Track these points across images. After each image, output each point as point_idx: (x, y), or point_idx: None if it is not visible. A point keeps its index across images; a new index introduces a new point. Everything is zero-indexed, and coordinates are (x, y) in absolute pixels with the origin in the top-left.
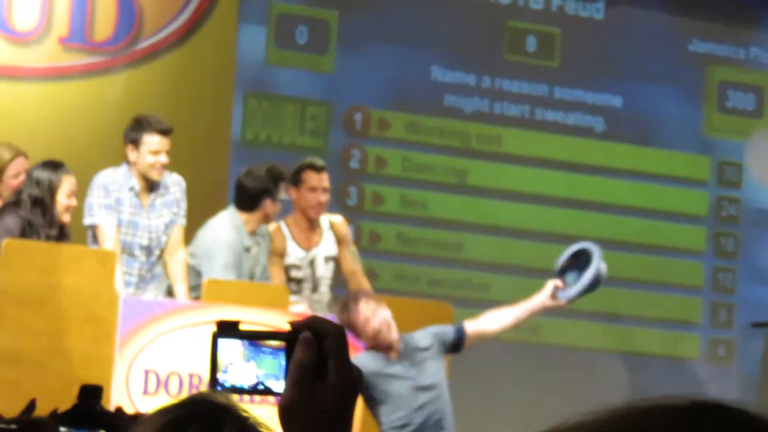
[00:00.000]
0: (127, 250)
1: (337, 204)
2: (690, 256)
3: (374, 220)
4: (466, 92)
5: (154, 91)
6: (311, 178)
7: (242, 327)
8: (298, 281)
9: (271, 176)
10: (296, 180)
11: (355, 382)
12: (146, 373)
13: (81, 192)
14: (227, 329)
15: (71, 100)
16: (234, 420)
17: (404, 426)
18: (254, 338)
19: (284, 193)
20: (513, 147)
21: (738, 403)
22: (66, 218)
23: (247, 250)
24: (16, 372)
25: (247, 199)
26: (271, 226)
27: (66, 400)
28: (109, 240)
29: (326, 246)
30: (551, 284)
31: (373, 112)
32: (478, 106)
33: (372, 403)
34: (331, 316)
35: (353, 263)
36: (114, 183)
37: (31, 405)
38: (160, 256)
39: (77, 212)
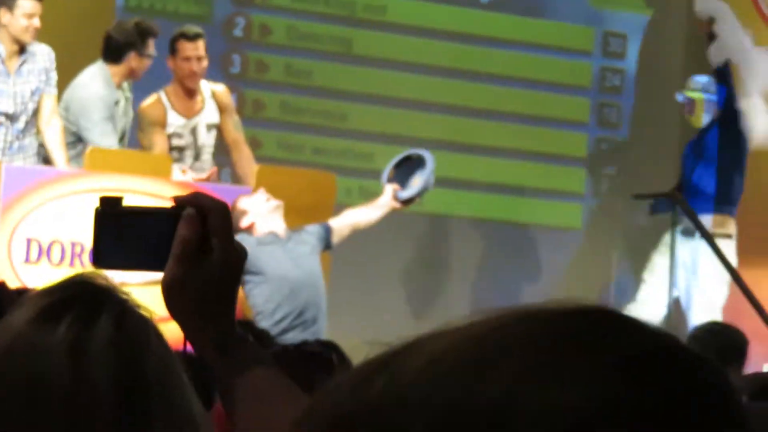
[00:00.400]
0: None
1: (221, 72)
2: (574, 127)
3: (258, 89)
4: None
5: None
6: (185, 47)
7: (125, 203)
8: (180, 149)
9: (139, 30)
10: (172, 49)
11: (239, 259)
12: (28, 241)
13: None
14: (110, 205)
15: None
16: (113, 303)
17: (277, 312)
18: (137, 215)
19: (152, 50)
20: (398, 16)
21: (624, 313)
22: None
23: (117, 103)
24: None
25: (113, 51)
26: (152, 97)
27: None
28: None
29: (208, 114)
30: (390, 188)
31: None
32: None
33: (247, 282)
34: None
35: (236, 132)
36: None
37: None
38: (27, 127)
39: None
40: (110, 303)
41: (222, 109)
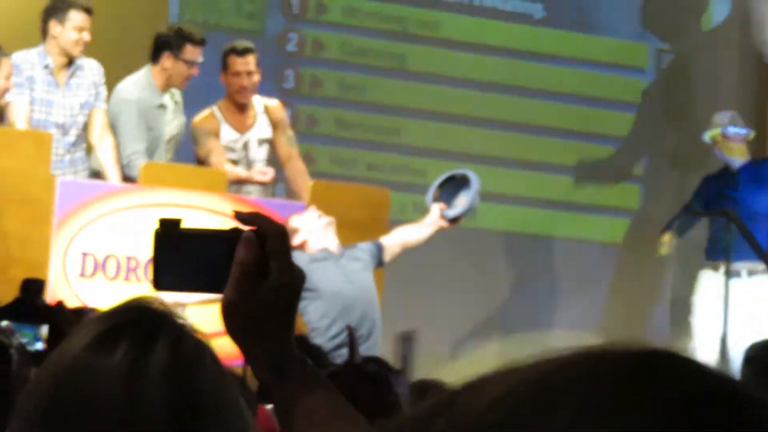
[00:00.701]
0: (41, 128)
1: (275, 87)
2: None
3: (312, 104)
4: None
5: None
6: (235, 62)
7: (184, 225)
8: (232, 163)
9: (178, 33)
10: (224, 65)
11: (297, 282)
12: (83, 255)
13: None
14: (169, 227)
15: None
16: (169, 329)
17: (332, 328)
18: (196, 237)
19: (190, 55)
20: (451, 32)
21: (695, 358)
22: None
23: (161, 107)
24: None
25: (154, 52)
26: (205, 111)
27: (3, 283)
28: (20, 118)
29: (260, 129)
30: (437, 207)
31: None
32: None
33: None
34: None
35: (289, 147)
36: (26, 62)
37: None
38: (78, 141)
39: None
40: (167, 328)
41: (275, 125)
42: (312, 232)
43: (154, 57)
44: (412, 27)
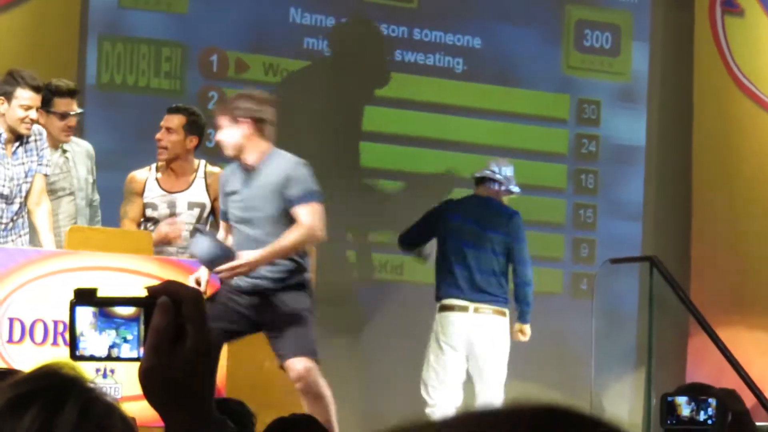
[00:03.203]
0: None
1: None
2: (552, 194)
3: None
4: (325, 34)
5: (7, 42)
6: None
7: (100, 294)
8: (153, 222)
9: (47, 87)
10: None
11: (214, 346)
12: (11, 321)
13: None
14: (84, 297)
15: None
16: (78, 394)
17: None
18: (111, 305)
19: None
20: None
21: (589, 413)
22: None
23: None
24: None
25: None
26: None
27: None
28: None
29: (194, 192)
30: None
31: (229, 54)
32: None
33: None
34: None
35: None
36: None
37: None
38: (21, 207)
39: None
40: (75, 392)
41: (214, 192)
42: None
43: None
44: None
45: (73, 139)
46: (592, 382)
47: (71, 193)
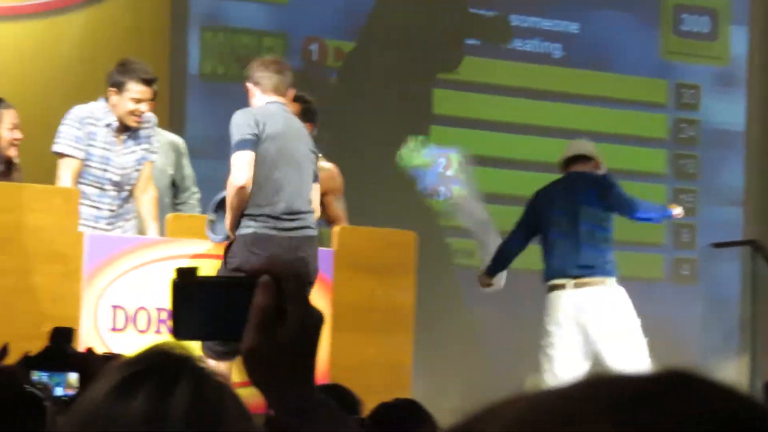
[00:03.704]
0: (98, 184)
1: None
2: (652, 179)
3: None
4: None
5: (111, 30)
6: None
7: (201, 273)
8: None
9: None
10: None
11: (316, 323)
12: (114, 309)
13: (32, 128)
14: (186, 276)
15: (30, 39)
16: (190, 373)
17: None
18: (213, 284)
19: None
20: (472, 75)
21: (711, 376)
22: (12, 152)
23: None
24: None
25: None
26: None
27: (35, 338)
28: (68, 172)
29: None
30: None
31: (329, 42)
32: None
33: None
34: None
35: (338, 211)
36: (90, 117)
37: (4, 350)
38: (131, 193)
39: (28, 146)
40: (187, 372)
41: (326, 190)
42: None
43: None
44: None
45: (159, 130)
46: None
47: None
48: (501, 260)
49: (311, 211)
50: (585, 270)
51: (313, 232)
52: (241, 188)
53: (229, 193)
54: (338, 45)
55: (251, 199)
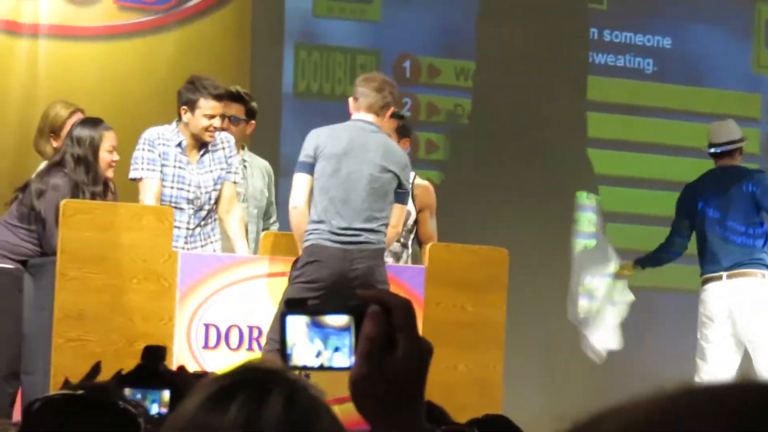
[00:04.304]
0: (173, 203)
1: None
2: None
3: (428, 168)
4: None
5: (205, 47)
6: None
7: (310, 303)
8: None
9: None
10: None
11: (425, 353)
12: (207, 327)
13: (128, 148)
14: (295, 307)
15: (126, 58)
16: (283, 385)
17: None
18: (322, 313)
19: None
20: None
21: None
22: (110, 174)
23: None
24: (80, 330)
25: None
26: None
27: (129, 356)
28: (149, 194)
29: None
30: None
31: (422, 59)
32: None
33: None
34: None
35: (431, 231)
36: (160, 138)
37: (96, 367)
38: (210, 214)
39: (122, 167)
40: (280, 383)
41: (421, 207)
42: None
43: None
44: None
45: (250, 153)
46: None
47: (245, 200)
48: (658, 260)
49: (374, 230)
50: (738, 264)
51: (375, 246)
52: (294, 209)
53: (290, 216)
54: (431, 62)
55: (311, 216)
